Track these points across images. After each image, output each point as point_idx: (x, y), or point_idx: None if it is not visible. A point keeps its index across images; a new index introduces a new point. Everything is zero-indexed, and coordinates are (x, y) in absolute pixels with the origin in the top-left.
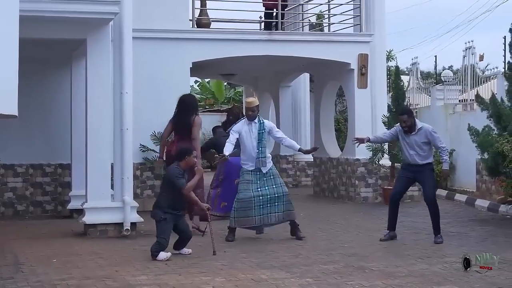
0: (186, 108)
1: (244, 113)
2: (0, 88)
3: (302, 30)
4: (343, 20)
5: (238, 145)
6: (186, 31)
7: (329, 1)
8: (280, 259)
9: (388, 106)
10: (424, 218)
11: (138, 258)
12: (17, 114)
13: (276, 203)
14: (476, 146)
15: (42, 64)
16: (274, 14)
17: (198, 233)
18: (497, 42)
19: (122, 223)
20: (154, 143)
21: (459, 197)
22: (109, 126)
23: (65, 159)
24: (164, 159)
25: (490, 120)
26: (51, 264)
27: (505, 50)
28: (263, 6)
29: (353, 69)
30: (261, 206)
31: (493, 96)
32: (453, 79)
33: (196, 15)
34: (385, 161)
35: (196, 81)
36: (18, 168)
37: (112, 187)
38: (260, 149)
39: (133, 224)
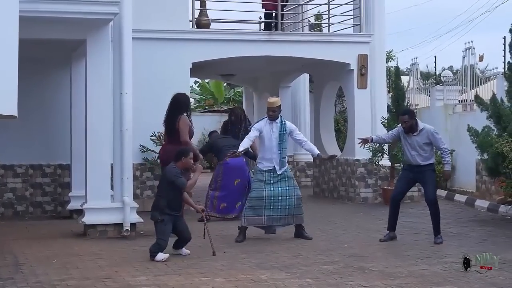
0: (173, 107)
1: (242, 115)
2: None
3: (302, 31)
4: (343, 21)
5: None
6: (186, 31)
7: (329, 2)
8: (280, 259)
9: (388, 106)
10: (424, 219)
11: (137, 259)
12: (16, 115)
13: (287, 206)
14: (475, 147)
15: (41, 65)
16: (274, 15)
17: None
18: (497, 43)
19: (122, 223)
20: (153, 143)
21: (458, 197)
22: (108, 127)
23: (65, 159)
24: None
25: (489, 120)
26: (51, 265)
27: (504, 51)
28: (263, 7)
29: (353, 70)
30: (271, 207)
31: (493, 97)
32: (453, 80)
33: (196, 15)
34: (385, 161)
35: (195, 82)
36: (18, 169)
37: (111, 188)
38: (282, 149)
39: (132, 225)
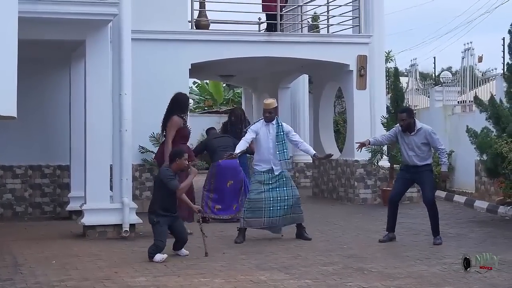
0: (170, 107)
1: (243, 116)
2: None
3: (301, 32)
4: (342, 22)
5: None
6: (185, 32)
7: (328, 3)
8: (279, 260)
9: (387, 107)
10: (423, 220)
11: (137, 260)
12: (16, 116)
13: (286, 206)
14: (475, 148)
15: (41, 65)
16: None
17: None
18: (496, 44)
19: (121, 224)
20: (153, 144)
21: (458, 198)
22: (108, 127)
23: (64, 160)
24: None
25: (489, 121)
26: (50, 266)
27: (504, 52)
28: (263, 10)
29: (352, 71)
30: (270, 208)
31: (491, 98)
32: (452, 81)
33: (195, 16)
34: (384, 162)
35: (194, 82)
36: (17, 170)
37: (111, 189)
38: (280, 151)
39: (132, 226)
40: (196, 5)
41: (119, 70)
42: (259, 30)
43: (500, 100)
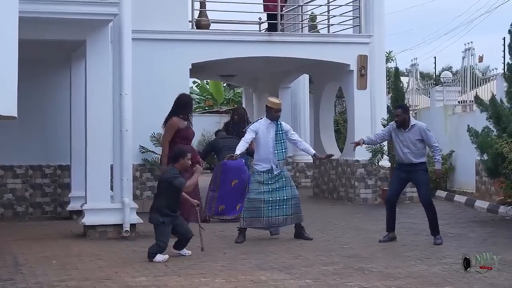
0: (173, 108)
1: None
2: None
3: (302, 31)
4: (343, 22)
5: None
6: (186, 32)
7: (328, 2)
8: (279, 260)
9: (388, 107)
10: (424, 219)
11: (137, 260)
12: (16, 116)
13: (285, 206)
14: (475, 147)
15: (41, 65)
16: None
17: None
18: (496, 43)
19: (122, 224)
20: (153, 144)
21: (458, 198)
22: (108, 127)
23: (65, 160)
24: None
25: (489, 121)
26: (51, 265)
27: (504, 51)
28: (265, 11)
29: (353, 70)
30: (270, 208)
31: (492, 98)
32: (452, 80)
33: (196, 16)
34: (385, 162)
35: (194, 82)
36: (18, 170)
37: (111, 189)
38: (279, 150)
39: (132, 226)
40: (197, 5)
41: (119, 70)
42: (260, 30)
43: (501, 100)
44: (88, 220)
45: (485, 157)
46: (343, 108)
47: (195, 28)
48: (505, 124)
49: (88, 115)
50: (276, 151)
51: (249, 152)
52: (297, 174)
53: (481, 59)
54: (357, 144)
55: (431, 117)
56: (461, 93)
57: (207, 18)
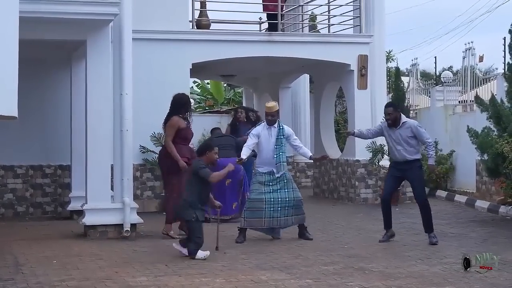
0: (171, 108)
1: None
2: (0, 89)
3: (302, 31)
4: (343, 21)
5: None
6: (186, 32)
7: (329, 2)
8: (280, 260)
9: None
10: None
11: (138, 259)
12: (17, 116)
13: (287, 207)
14: (476, 147)
15: (42, 65)
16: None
17: (168, 238)
18: (497, 43)
19: (122, 224)
20: (154, 144)
21: (459, 198)
22: (109, 127)
23: (65, 160)
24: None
25: (489, 121)
26: (51, 265)
27: (504, 51)
28: (264, 11)
29: (353, 70)
30: (271, 209)
31: (492, 97)
32: (453, 80)
33: (196, 16)
34: (385, 162)
35: (194, 81)
36: (18, 169)
37: (112, 188)
38: (279, 154)
39: (133, 225)
40: (197, 5)
41: (120, 70)
42: (260, 30)
43: (501, 100)
44: (88, 220)
45: (486, 157)
46: (344, 108)
47: (195, 28)
48: (505, 124)
49: (88, 115)
50: (275, 155)
51: (255, 154)
52: (297, 174)
53: (481, 59)
54: (348, 133)
55: (432, 117)
56: (462, 93)
57: (208, 18)
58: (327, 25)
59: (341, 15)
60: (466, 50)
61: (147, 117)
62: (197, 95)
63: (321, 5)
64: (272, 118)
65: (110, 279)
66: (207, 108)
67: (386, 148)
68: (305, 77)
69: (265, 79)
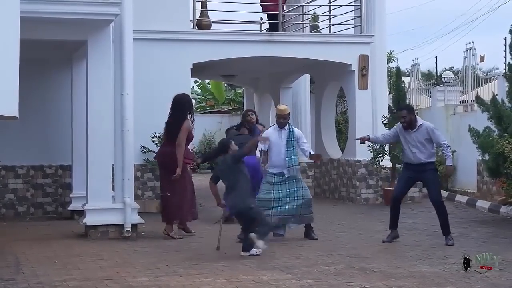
0: (176, 108)
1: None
2: (0, 90)
3: (303, 31)
4: (344, 21)
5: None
6: (187, 32)
7: (330, 2)
8: (281, 260)
9: (389, 107)
10: (425, 219)
11: (138, 260)
12: (18, 116)
13: (295, 206)
14: (476, 147)
15: (42, 65)
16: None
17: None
18: (498, 43)
19: (123, 224)
20: (154, 144)
21: (459, 198)
22: (109, 128)
23: (66, 160)
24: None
25: (490, 121)
26: (52, 266)
27: (505, 51)
28: (264, 11)
29: (354, 70)
30: (279, 207)
31: (493, 97)
32: (453, 80)
33: (197, 16)
34: (386, 162)
35: (195, 81)
36: (19, 170)
37: (113, 189)
38: (291, 157)
39: (134, 226)
40: (198, 5)
41: (120, 70)
42: (261, 30)
43: (502, 100)
44: (89, 220)
45: (486, 157)
46: (344, 108)
47: (196, 28)
48: (506, 124)
49: (89, 115)
50: (286, 158)
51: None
52: None
53: (482, 59)
54: (363, 139)
55: (432, 117)
56: (463, 93)
57: (208, 18)
58: (328, 25)
59: (342, 15)
60: (467, 50)
61: (147, 117)
62: (198, 95)
63: (322, 5)
64: (283, 120)
65: (111, 279)
66: (208, 108)
67: (386, 148)
68: (306, 77)
69: (266, 79)
